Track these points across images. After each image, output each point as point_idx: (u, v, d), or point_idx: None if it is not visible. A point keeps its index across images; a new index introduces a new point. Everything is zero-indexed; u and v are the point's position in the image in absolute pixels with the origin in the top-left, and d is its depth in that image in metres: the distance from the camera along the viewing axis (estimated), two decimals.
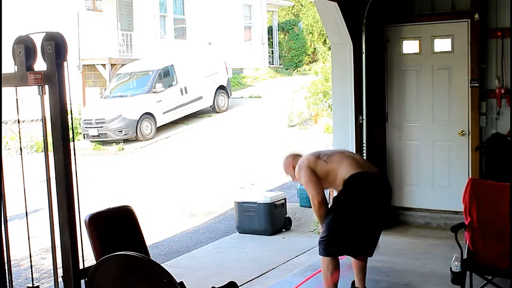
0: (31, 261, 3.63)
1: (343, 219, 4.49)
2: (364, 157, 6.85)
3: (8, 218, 3.47)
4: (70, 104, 3.24)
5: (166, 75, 17.62)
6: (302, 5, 28.93)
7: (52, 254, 3.37)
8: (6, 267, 2.93)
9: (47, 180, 3.34)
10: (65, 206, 3.19)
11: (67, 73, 3.19)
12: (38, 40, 3.23)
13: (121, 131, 16.20)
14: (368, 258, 4.79)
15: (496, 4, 6.53)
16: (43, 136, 3.45)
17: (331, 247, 4.49)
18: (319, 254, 4.58)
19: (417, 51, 7.19)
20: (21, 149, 3.86)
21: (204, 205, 9.79)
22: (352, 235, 4.50)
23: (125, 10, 20.83)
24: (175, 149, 15.43)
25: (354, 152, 6.64)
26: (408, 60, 7.25)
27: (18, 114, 3.51)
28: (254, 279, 5.78)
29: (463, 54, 6.84)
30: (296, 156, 4.89)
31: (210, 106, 18.78)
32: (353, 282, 4.85)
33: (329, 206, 4.64)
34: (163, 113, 17.13)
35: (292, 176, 4.90)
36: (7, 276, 2.97)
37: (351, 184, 4.45)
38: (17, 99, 3.50)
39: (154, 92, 16.99)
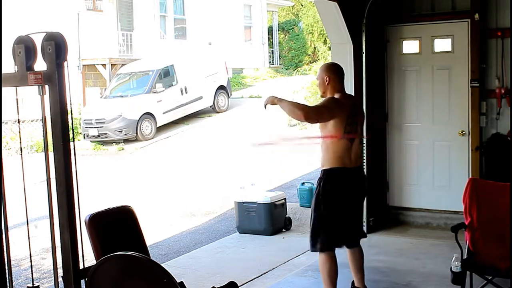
0: (31, 261, 3.63)
1: (322, 215, 4.55)
2: (364, 159, 6.84)
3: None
4: (70, 104, 3.24)
5: (166, 75, 17.63)
6: (302, 5, 28.95)
7: (52, 254, 3.37)
8: (6, 267, 2.93)
9: (47, 180, 3.34)
10: (65, 206, 3.19)
11: (67, 73, 3.19)
12: (38, 40, 3.23)
13: (121, 131, 16.21)
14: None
15: (496, 4, 6.53)
16: (43, 136, 3.45)
17: (317, 243, 4.56)
18: (311, 251, 4.67)
19: (417, 51, 7.19)
20: (21, 149, 3.87)
21: (204, 205, 9.79)
22: (334, 227, 4.55)
23: (125, 10, 20.83)
24: (175, 149, 15.44)
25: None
26: (408, 60, 7.25)
27: (18, 114, 3.51)
28: (254, 279, 5.78)
29: (463, 54, 6.84)
30: (337, 77, 4.64)
31: (210, 106, 18.79)
32: (353, 282, 4.85)
33: (311, 204, 4.68)
34: (163, 113, 17.14)
35: (320, 86, 4.68)
36: (7, 276, 2.97)
37: (327, 179, 4.52)
38: (17, 99, 3.50)
39: (154, 92, 17.00)
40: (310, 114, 4.42)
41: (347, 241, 4.69)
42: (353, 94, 6.91)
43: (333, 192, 4.53)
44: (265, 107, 4.61)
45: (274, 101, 4.50)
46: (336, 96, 4.61)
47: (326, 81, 4.64)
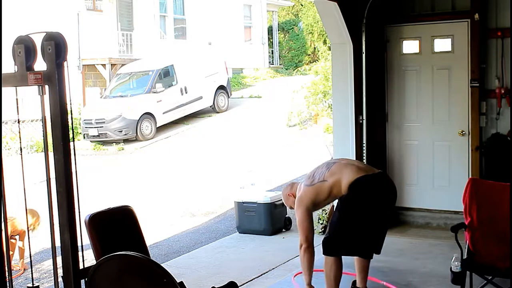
0: (31, 261, 3.63)
1: (349, 220, 4.49)
2: (364, 159, 6.86)
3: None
4: (70, 104, 3.23)
5: (166, 75, 17.63)
6: (302, 5, 28.93)
7: (52, 254, 3.38)
8: (6, 267, 2.93)
9: (47, 180, 3.34)
10: (65, 206, 3.19)
11: (67, 73, 3.19)
12: (38, 40, 3.23)
13: (121, 131, 16.21)
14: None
15: (496, 4, 6.53)
16: (43, 136, 3.45)
17: (334, 246, 4.51)
18: (323, 254, 4.59)
19: (417, 51, 7.19)
20: (21, 149, 3.86)
21: (204, 205, 9.79)
22: (358, 236, 4.50)
23: (125, 10, 20.82)
24: (175, 149, 15.44)
25: (354, 156, 6.69)
26: (408, 60, 7.25)
27: (18, 114, 3.51)
28: (254, 279, 5.78)
29: (463, 54, 6.84)
30: (293, 185, 4.91)
31: (210, 106, 18.79)
32: (354, 282, 4.85)
33: (335, 207, 4.65)
34: (163, 113, 17.14)
35: (291, 204, 4.89)
36: (7, 276, 2.97)
37: (357, 187, 4.43)
38: (17, 99, 3.50)
39: (154, 92, 17.00)
40: (304, 244, 4.54)
41: (369, 249, 4.63)
42: (353, 95, 6.95)
43: (363, 198, 4.47)
44: None
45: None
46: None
47: (291, 197, 4.84)
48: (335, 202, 4.88)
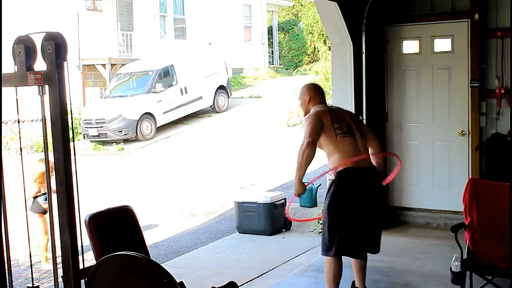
0: (31, 261, 3.63)
1: (338, 218, 4.49)
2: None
3: None
4: (70, 104, 3.23)
5: (166, 75, 17.64)
6: (302, 5, 28.94)
7: (52, 254, 3.38)
8: (6, 267, 2.93)
9: (47, 180, 3.34)
10: (65, 206, 3.19)
11: (67, 73, 3.19)
12: (38, 40, 3.23)
13: (121, 131, 16.22)
14: (368, 258, 4.79)
15: (496, 4, 6.53)
16: (43, 136, 3.45)
17: (331, 246, 4.50)
18: (321, 255, 4.59)
19: (417, 51, 7.19)
20: (21, 149, 3.86)
21: (204, 205, 9.80)
22: (350, 233, 4.50)
23: (125, 10, 20.83)
24: (175, 149, 15.44)
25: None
26: (408, 60, 7.24)
27: (18, 114, 3.50)
28: (254, 279, 5.78)
29: (463, 54, 6.84)
30: (317, 95, 4.75)
31: (210, 106, 18.80)
32: (353, 282, 4.85)
33: (325, 207, 4.63)
34: (163, 113, 17.15)
35: (302, 105, 4.79)
36: (7, 276, 2.97)
37: (342, 181, 4.46)
38: (17, 99, 3.50)
39: (154, 92, 17.00)
40: (307, 139, 4.44)
41: (361, 248, 4.61)
42: (353, 95, 6.94)
43: (349, 194, 4.48)
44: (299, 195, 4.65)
45: (299, 188, 4.58)
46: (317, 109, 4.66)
47: (307, 100, 4.74)
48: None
